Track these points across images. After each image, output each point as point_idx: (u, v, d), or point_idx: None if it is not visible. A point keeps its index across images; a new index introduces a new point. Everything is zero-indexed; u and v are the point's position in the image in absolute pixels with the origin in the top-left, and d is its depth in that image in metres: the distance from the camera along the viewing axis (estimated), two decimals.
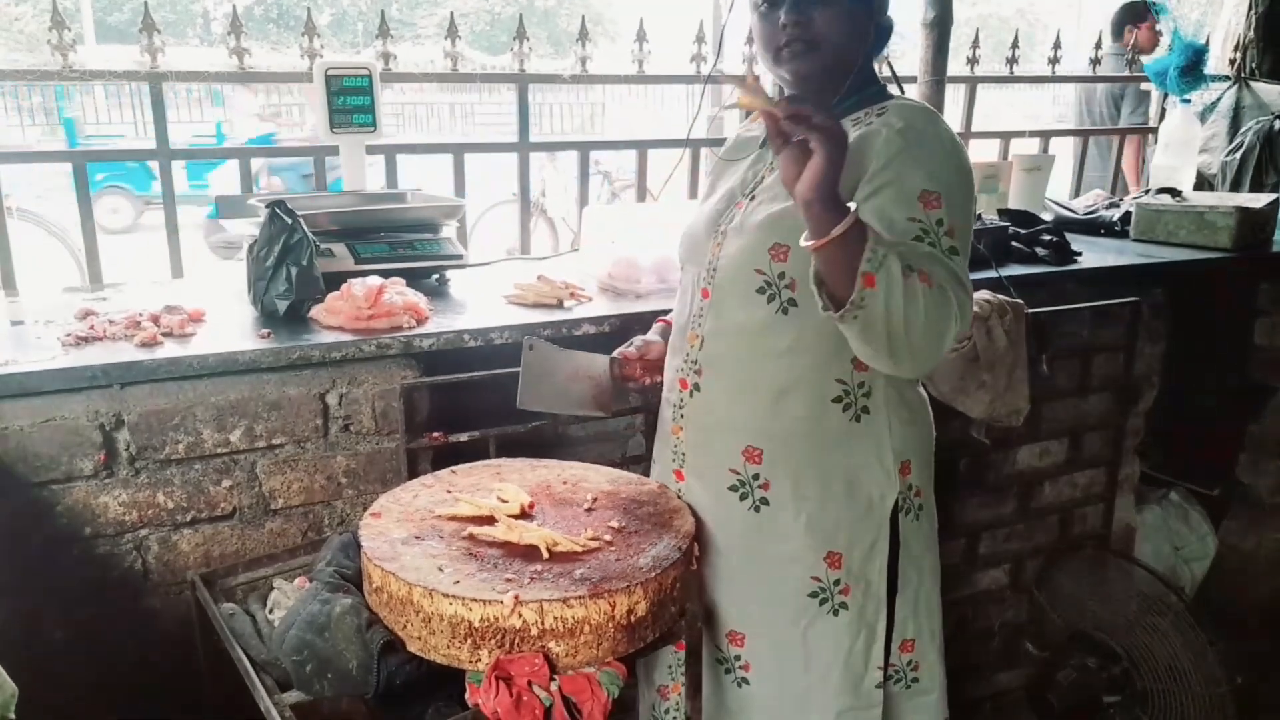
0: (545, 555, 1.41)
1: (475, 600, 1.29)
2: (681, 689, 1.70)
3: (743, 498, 1.55)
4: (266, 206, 1.86)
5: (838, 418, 1.50)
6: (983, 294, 2.09)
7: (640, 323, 1.99)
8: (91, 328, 1.73)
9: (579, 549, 1.43)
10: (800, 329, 1.46)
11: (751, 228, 1.50)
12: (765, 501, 1.54)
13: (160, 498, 1.66)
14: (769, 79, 1.57)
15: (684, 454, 1.63)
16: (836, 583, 1.53)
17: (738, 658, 1.62)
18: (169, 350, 1.66)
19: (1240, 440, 3.08)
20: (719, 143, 3.53)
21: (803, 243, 1.27)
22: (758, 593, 1.57)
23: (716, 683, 1.66)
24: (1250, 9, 3.52)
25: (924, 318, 1.27)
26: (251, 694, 1.37)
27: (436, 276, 2.16)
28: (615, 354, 1.76)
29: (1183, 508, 3.06)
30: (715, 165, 1.74)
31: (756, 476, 1.54)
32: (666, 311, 1.82)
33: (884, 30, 1.54)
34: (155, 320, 1.77)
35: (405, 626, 1.35)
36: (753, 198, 1.54)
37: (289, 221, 1.85)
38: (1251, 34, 3.52)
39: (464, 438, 1.84)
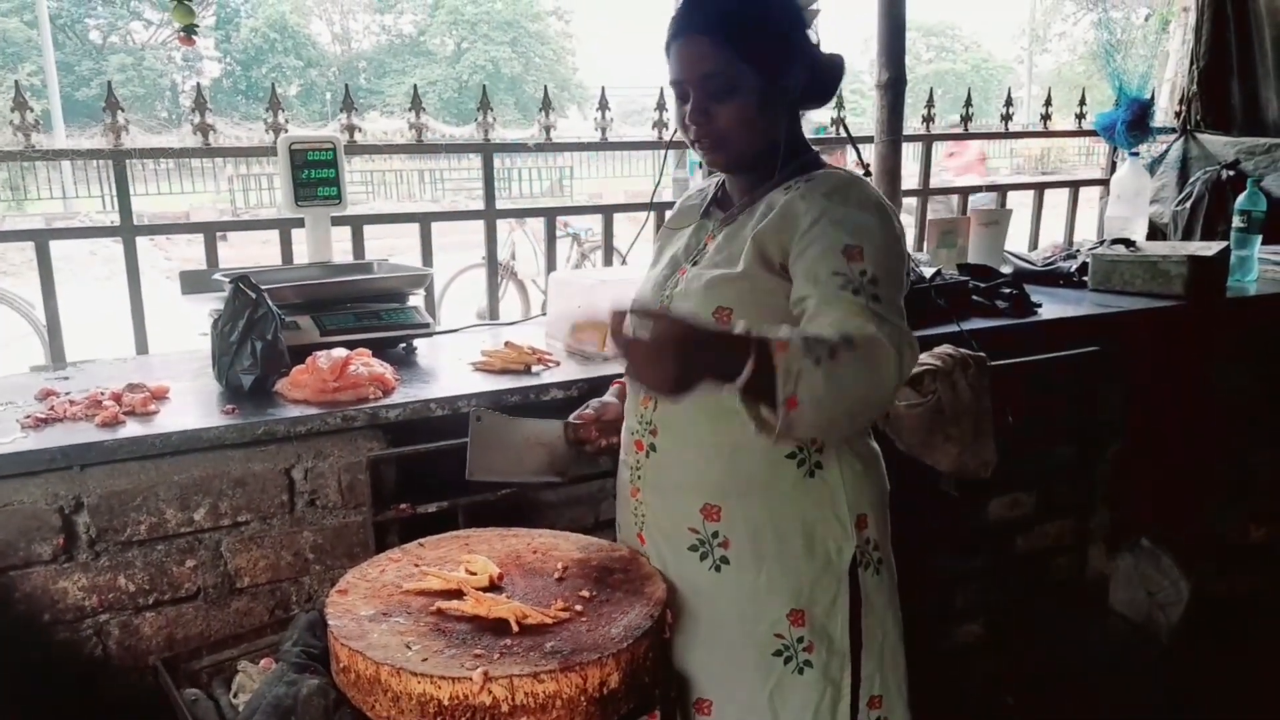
0: (515, 628, 1.39)
1: (444, 678, 1.27)
2: None
3: (703, 557, 1.54)
4: (230, 282, 1.86)
5: (792, 474, 1.51)
6: (945, 348, 2.11)
7: (609, 386, 2.00)
8: (52, 409, 1.72)
9: (549, 620, 1.41)
10: None
11: (695, 293, 1.51)
12: (725, 560, 1.52)
13: (121, 580, 1.63)
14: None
15: (644, 516, 1.62)
16: (800, 640, 1.52)
17: None
18: (131, 429, 1.64)
19: (1207, 486, 3.11)
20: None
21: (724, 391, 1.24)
22: (723, 655, 1.55)
23: None
24: (1193, 64, 3.64)
25: (860, 386, 1.26)
26: None
27: (403, 345, 2.16)
28: (571, 418, 1.75)
29: (1155, 553, 3.07)
30: (661, 233, 1.75)
31: (716, 534, 1.53)
32: (622, 375, 1.81)
33: (810, 89, 1.52)
34: (117, 399, 1.75)
35: (374, 706, 1.32)
36: (695, 263, 1.57)
37: (253, 296, 1.85)
38: (1195, 88, 3.64)
39: (432, 508, 1.83)
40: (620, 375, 1.83)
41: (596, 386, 1.99)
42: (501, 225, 2.81)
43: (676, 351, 1.20)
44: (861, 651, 1.55)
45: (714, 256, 1.54)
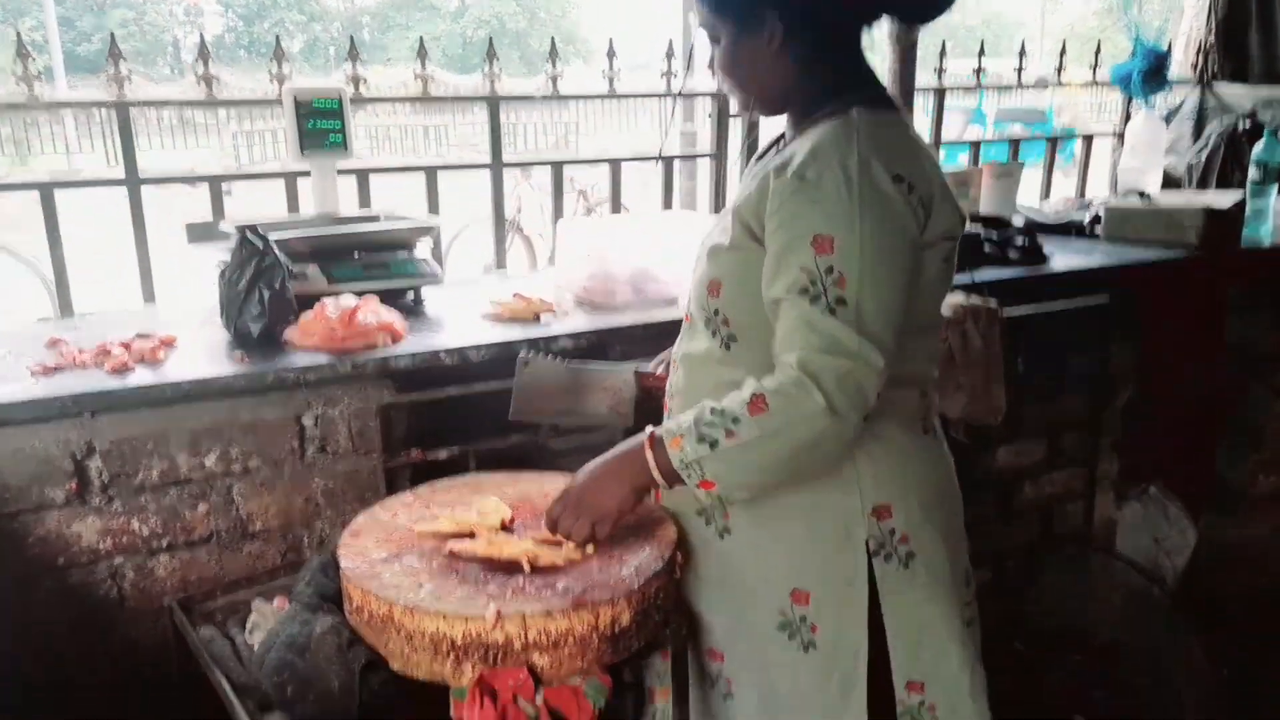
0: (527, 569, 1.40)
1: (457, 616, 1.28)
2: (669, 695, 1.69)
3: (708, 523, 1.51)
4: (237, 230, 1.85)
5: None
6: (956, 297, 2.10)
7: (618, 336, 2.00)
8: (61, 356, 1.72)
9: (560, 562, 1.42)
10: (746, 365, 1.38)
11: (703, 258, 1.47)
12: (728, 530, 1.49)
13: (135, 524, 1.64)
14: None
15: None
16: (803, 619, 1.46)
17: (719, 673, 1.60)
18: (140, 377, 1.65)
19: (1216, 435, 3.11)
20: (692, 157, 3.56)
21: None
22: (732, 618, 1.54)
23: (704, 695, 1.65)
24: (1210, 13, 3.58)
25: (775, 449, 1.28)
26: (232, 718, 1.36)
27: (412, 296, 2.15)
28: (641, 366, 1.75)
29: (1162, 502, 3.08)
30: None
31: (719, 502, 1.48)
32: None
33: (808, 33, 1.36)
34: (126, 347, 1.75)
35: (387, 645, 1.33)
36: (722, 220, 1.49)
37: (260, 246, 1.84)
38: (1212, 38, 3.57)
39: (443, 454, 1.83)
40: None
41: (605, 337, 1.99)
42: (507, 181, 2.78)
43: (590, 506, 1.39)
44: (888, 640, 1.46)
45: (726, 215, 1.44)
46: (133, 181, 2.36)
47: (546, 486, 1.70)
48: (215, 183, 2.56)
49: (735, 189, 1.68)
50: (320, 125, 2.25)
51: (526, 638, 1.29)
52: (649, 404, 1.74)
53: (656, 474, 1.36)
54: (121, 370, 1.67)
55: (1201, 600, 2.75)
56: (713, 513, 1.50)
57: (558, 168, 2.89)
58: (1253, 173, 2.94)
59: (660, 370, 1.70)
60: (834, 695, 1.48)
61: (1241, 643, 2.78)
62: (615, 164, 2.86)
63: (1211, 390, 3.05)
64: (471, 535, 1.48)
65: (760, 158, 1.52)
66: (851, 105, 1.35)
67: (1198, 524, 3.13)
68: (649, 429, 1.38)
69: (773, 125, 1.53)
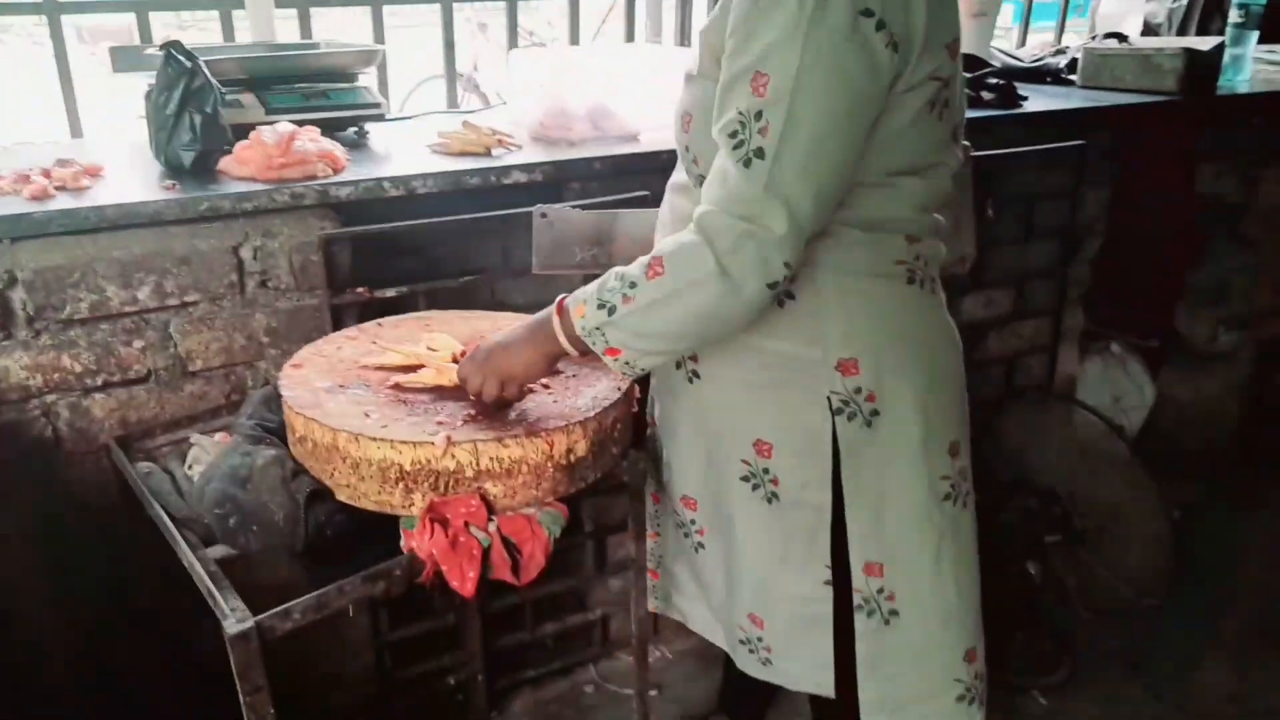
0: None
1: (405, 443, 1.23)
2: (658, 536, 1.67)
3: (678, 366, 1.44)
4: (161, 48, 1.71)
5: None
6: None
7: (575, 171, 1.90)
8: None
9: None
10: None
11: (681, 85, 1.34)
12: (696, 375, 1.42)
13: (66, 360, 1.56)
14: None
15: None
16: (766, 471, 1.40)
17: (693, 521, 1.56)
18: (62, 203, 1.53)
19: (1178, 290, 3.10)
20: None
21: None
22: (699, 462, 1.50)
23: (680, 546, 1.63)
24: None
25: (674, 314, 1.21)
26: (175, 552, 1.31)
27: (355, 129, 2.03)
28: None
29: (1123, 358, 3.08)
30: None
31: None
32: None
33: None
34: (46, 174, 1.63)
35: (333, 475, 1.28)
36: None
37: (189, 65, 1.70)
38: None
39: (391, 293, 1.75)
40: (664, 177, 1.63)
41: (561, 170, 1.89)
42: (463, 34, 2.61)
43: (497, 367, 1.31)
44: (845, 509, 1.37)
45: (701, 39, 1.28)
46: (51, 5, 2.18)
47: (500, 324, 1.63)
48: (142, 11, 2.38)
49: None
50: None
51: (478, 465, 1.25)
52: None
53: (564, 341, 1.29)
54: (41, 197, 1.55)
55: (1157, 454, 2.79)
56: (684, 359, 1.43)
57: (512, 4, 2.71)
58: (1234, 15, 2.84)
59: None
60: (797, 549, 1.42)
61: (1192, 492, 2.84)
62: None
63: (1178, 242, 3.02)
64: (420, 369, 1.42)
65: None
66: None
67: (1156, 380, 3.15)
68: (559, 297, 1.32)
69: None
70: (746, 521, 1.45)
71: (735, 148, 1.15)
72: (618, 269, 1.26)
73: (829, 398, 1.32)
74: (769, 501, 1.41)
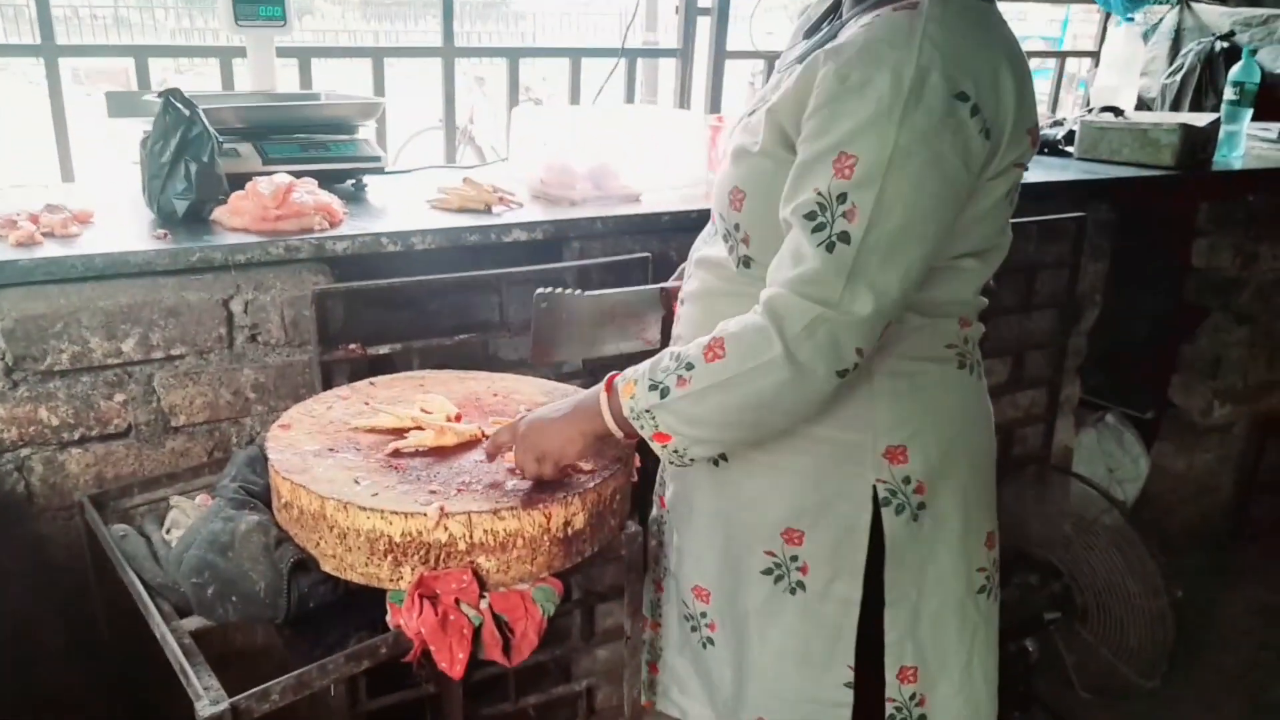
0: (480, 435, 1.38)
1: (396, 513, 1.17)
2: (660, 627, 1.57)
3: None
4: (160, 96, 1.68)
5: None
6: None
7: (575, 230, 1.87)
8: None
9: None
10: (760, 285, 1.17)
11: (727, 158, 1.26)
12: (724, 457, 1.33)
13: (43, 413, 1.50)
14: None
15: None
16: (794, 559, 1.31)
17: (703, 615, 1.44)
18: (49, 250, 1.49)
19: (1174, 362, 3.09)
20: (657, 52, 3.38)
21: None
22: (717, 551, 1.39)
23: (685, 639, 1.50)
24: None
25: (739, 396, 1.12)
26: (148, 621, 1.24)
27: (353, 181, 2.00)
28: (668, 284, 1.57)
29: (1117, 430, 3.07)
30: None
31: None
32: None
33: None
34: (34, 220, 1.59)
35: (318, 544, 1.23)
36: (752, 114, 1.23)
37: (186, 114, 1.67)
38: None
39: (384, 350, 1.71)
40: (666, 238, 1.68)
41: (562, 230, 1.86)
42: (460, 87, 2.60)
43: (545, 439, 1.24)
44: (885, 610, 1.30)
45: (759, 112, 1.20)
46: (49, 49, 2.16)
47: (496, 387, 1.59)
48: (141, 57, 2.37)
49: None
50: None
51: (471, 538, 1.19)
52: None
53: (610, 422, 1.22)
54: (27, 243, 1.51)
55: (1153, 527, 2.76)
56: None
57: (514, 60, 2.72)
58: (1229, 93, 2.87)
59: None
60: (819, 648, 1.33)
61: (1190, 567, 2.80)
62: (575, 59, 2.70)
63: (1174, 314, 3.02)
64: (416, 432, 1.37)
65: (809, 34, 1.28)
66: None
67: (1150, 452, 3.13)
68: (610, 374, 1.24)
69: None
70: (765, 617, 1.35)
71: (815, 230, 1.08)
72: (673, 348, 1.19)
73: (875, 486, 1.25)
74: (792, 593, 1.32)
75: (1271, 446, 3.15)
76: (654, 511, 1.55)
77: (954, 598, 1.33)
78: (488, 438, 1.33)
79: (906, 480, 1.26)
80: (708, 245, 1.34)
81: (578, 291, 1.55)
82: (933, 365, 1.27)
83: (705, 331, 1.18)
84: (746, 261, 1.23)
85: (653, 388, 1.16)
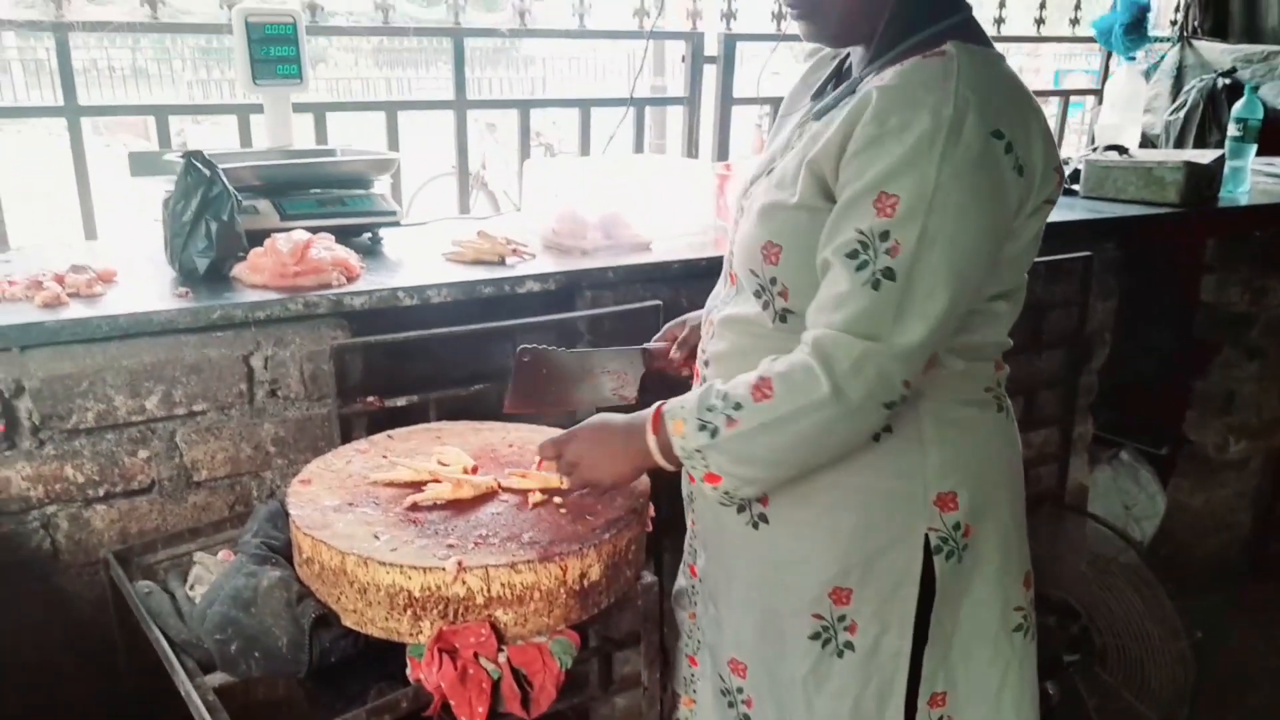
0: (497, 487, 1.40)
1: (415, 568, 1.19)
2: (694, 703, 1.55)
3: (739, 510, 1.32)
4: (182, 157, 1.73)
5: None
6: None
7: (588, 280, 1.90)
8: None
9: (533, 486, 1.40)
10: (798, 338, 1.19)
11: (754, 214, 1.25)
12: (764, 519, 1.30)
13: (69, 470, 1.53)
14: None
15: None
16: (842, 619, 1.29)
17: (739, 690, 1.40)
18: (75, 311, 1.53)
19: (1187, 398, 3.09)
20: (664, 101, 3.44)
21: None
22: (755, 621, 1.36)
23: (722, 714, 1.46)
24: None
25: (790, 435, 1.13)
26: (172, 678, 1.26)
27: (369, 235, 2.04)
28: (650, 344, 1.57)
29: (1133, 467, 3.06)
30: (777, 119, 1.44)
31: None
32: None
33: None
34: (60, 280, 1.63)
35: (339, 599, 1.24)
36: (769, 175, 1.27)
37: (207, 174, 1.72)
38: None
39: (401, 402, 1.73)
40: (677, 285, 1.69)
41: (574, 280, 1.89)
42: (471, 134, 2.65)
43: (600, 453, 1.28)
44: (925, 647, 1.31)
45: (785, 166, 1.24)
46: (72, 110, 2.22)
47: (511, 437, 1.61)
48: (162, 115, 2.42)
49: (777, 137, 1.41)
50: (273, 53, 2.11)
51: (489, 591, 1.21)
52: (659, 383, 1.58)
53: (659, 457, 1.24)
54: (54, 304, 1.54)
55: (1170, 564, 2.74)
56: (748, 500, 1.30)
57: (524, 110, 2.77)
58: (1232, 129, 2.89)
59: (676, 351, 1.53)
60: (869, 707, 1.31)
61: (1210, 606, 2.78)
62: (585, 108, 2.75)
63: (1185, 351, 3.02)
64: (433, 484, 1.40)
65: (817, 95, 1.32)
66: (945, 38, 1.15)
67: (1167, 489, 3.12)
68: (656, 404, 1.24)
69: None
70: (813, 685, 1.32)
71: (858, 268, 1.09)
72: (719, 387, 1.18)
73: (927, 535, 1.25)
74: (840, 655, 1.30)
75: None
76: (681, 582, 1.54)
77: (987, 631, 1.33)
78: (503, 487, 1.35)
79: (957, 526, 1.26)
80: (732, 305, 1.33)
81: (560, 348, 1.55)
82: (976, 410, 1.29)
83: None
84: (784, 315, 1.23)
85: (702, 428, 1.16)
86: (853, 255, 1.10)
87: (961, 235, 1.09)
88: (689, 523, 1.48)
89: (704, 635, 1.48)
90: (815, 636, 1.30)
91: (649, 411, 1.25)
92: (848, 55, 1.31)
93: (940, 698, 1.33)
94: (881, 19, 1.18)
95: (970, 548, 1.28)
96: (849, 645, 1.29)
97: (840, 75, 1.31)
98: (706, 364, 1.37)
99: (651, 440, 1.23)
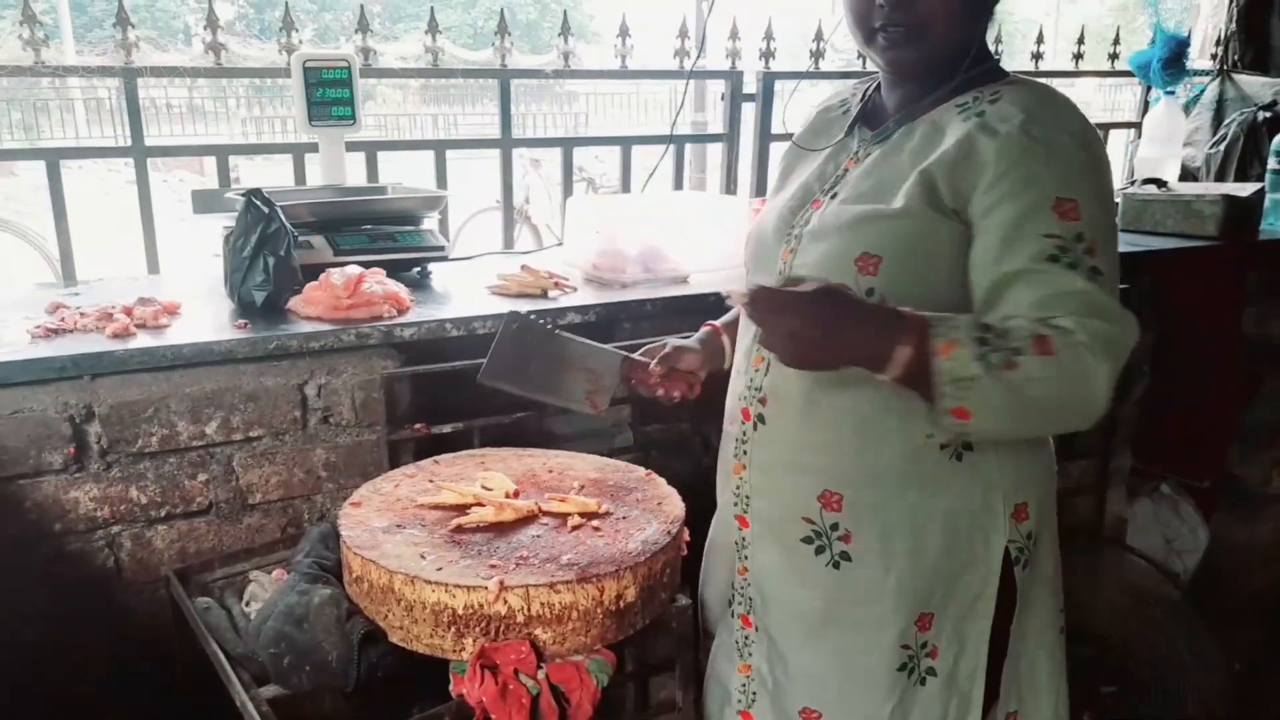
0: (538, 511, 1.46)
1: (459, 586, 1.25)
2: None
3: (819, 551, 1.32)
4: (242, 195, 1.82)
5: (935, 456, 1.27)
6: None
7: (626, 312, 1.97)
8: (62, 320, 1.69)
9: (571, 510, 1.45)
10: None
11: (832, 231, 1.27)
12: (846, 556, 1.30)
13: (133, 492, 1.61)
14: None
15: (747, 497, 1.40)
16: (924, 645, 1.31)
17: None
18: (142, 341, 1.62)
19: (1231, 431, 3.06)
20: (703, 138, 3.51)
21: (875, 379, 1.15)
22: (836, 665, 1.35)
23: None
24: (1231, 1, 3.53)
25: (1050, 403, 1.12)
26: (228, 690, 1.32)
27: (418, 269, 2.12)
28: (639, 353, 1.54)
29: (1174, 500, 3.03)
30: (787, 153, 1.49)
31: (835, 527, 1.31)
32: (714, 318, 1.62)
33: None
34: (128, 312, 1.72)
35: (387, 616, 1.30)
36: (834, 195, 1.31)
37: (266, 211, 1.81)
38: (1233, 26, 3.53)
39: (447, 429, 1.80)
40: (713, 318, 1.62)
41: (613, 313, 1.95)
42: (516, 169, 2.75)
43: (826, 326, 1.13)
44: (1005, 661, 1.34)
45: (858, 185, 1.28)
46: (139, 150, 2.33)
47: (552, 463, 1.67)
48: (222, 155, 2.54)
49: (781, 165, 1.50)
50: (329, 95, 2.22)
51: (529, 610, 1.26)
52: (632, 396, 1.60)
53: (899, 368, 1.12)
54: (123, 335, 1.63)
55: (1212, 599, 2.71)
56: (828, 538, 1.31)
57: (567, 149, 2.85)
58: (1273, 162, 2.89)
59: (656, 365, 1.50)
60: None
61: (1251, 641, 2.74)
62: (626, 146, 2.82)
63: (1227, 384, 3.00)
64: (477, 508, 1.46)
65: (851, 130, 1.38)
66: (995, 72, 1.28)
67: (1209, 522, 3.08)
68: (908, 312, 1.14)
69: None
70: (899, 717, 1.33)
71: (1069, 266, 1.13)
72: (984, 321, 1.14)
73: (1008, 548, 1.29)
74: (923, 683, 1.32)
75: None
76: (725, 636, 1.51)
77: (1048, 640, 1.37)
78: (543, 510, 1.40)
79: (1029, 535, 1.31)
80: None
81: (551, 326, 1.54)
82: None
83: (828, 420, 1.27)
84: None
85: (980, 359, 1.09)
86: (1055, 259, 1.13)
87: (1115, 231, 1.22)
88: (737, 570, 1.45)
89: (766, 686, 1.42)
90: (902, 668, 1.32)
91: (896, 312, 1.14)
92: (869, 91, 1.38)
93: (1012, 716, 1.37)
94: (964, 55, 1.26)
95: (1042, 558, 1.33)
96: (931, 671, 1.32)
97: (865, 115, 1.38)
98: (763, 400, 1.35)
99: (901, 349, 1.11)
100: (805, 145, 1.45)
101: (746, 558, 1.43)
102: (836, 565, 1.31)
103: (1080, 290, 1.12)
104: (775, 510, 1.37)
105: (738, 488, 1.41)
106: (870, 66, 1.45)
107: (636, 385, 1.54)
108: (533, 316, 1.53)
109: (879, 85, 1.39)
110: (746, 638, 1.45)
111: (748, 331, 1.41)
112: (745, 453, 1.39)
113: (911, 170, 1.23)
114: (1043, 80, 1.29)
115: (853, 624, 1.33)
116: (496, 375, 1.51)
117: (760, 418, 1.36)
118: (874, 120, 1.37)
